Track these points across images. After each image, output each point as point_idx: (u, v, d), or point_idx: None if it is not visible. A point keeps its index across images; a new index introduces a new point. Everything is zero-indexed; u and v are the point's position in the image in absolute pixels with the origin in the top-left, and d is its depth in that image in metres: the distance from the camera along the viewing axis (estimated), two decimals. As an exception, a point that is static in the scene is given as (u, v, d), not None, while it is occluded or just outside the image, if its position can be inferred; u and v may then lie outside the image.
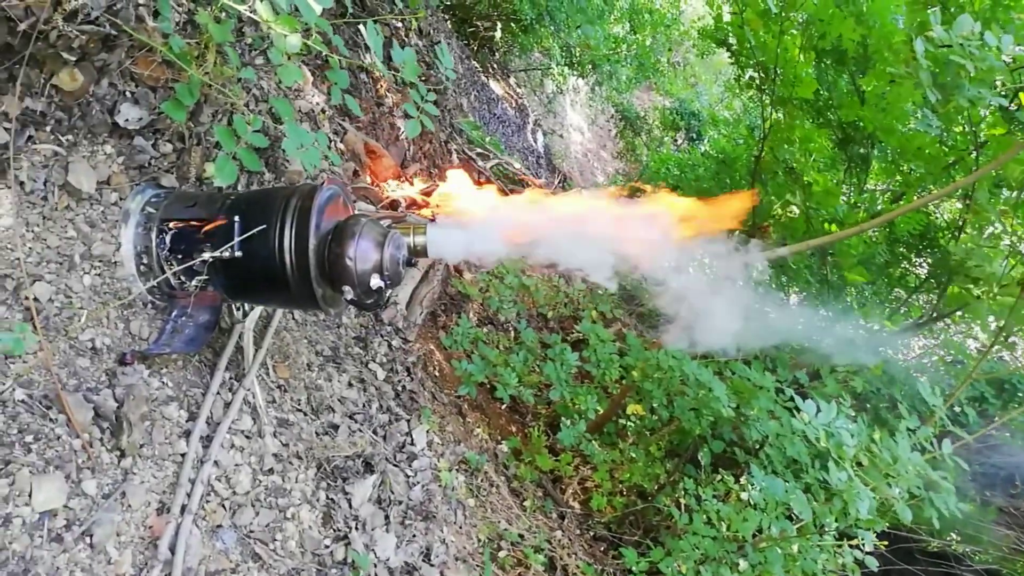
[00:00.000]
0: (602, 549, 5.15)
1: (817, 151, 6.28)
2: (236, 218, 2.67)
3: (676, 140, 12.26)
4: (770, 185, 6.35)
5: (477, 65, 10.91)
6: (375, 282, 2.63)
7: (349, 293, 2.63)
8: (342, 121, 5.38)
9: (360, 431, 3.74)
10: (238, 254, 2.65)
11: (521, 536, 4.48)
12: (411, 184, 5.50)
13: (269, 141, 2.64)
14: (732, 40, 6.47)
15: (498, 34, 10.59)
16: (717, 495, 4.83)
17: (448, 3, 10.18)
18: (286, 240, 2.64)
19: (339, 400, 3.89)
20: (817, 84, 6.21)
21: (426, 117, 3.08)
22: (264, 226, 2.67)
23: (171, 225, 2.78)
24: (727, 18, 6.90)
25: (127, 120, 2.71)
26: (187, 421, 2.72)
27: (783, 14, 5.52)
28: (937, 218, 6.60)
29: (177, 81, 2.69)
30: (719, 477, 5.04)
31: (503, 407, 5.60)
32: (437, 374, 5.34)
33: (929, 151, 5.64)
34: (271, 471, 2.91)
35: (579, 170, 13.16)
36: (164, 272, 2.78)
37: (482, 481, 4.64)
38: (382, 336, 4.76)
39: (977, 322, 6.82)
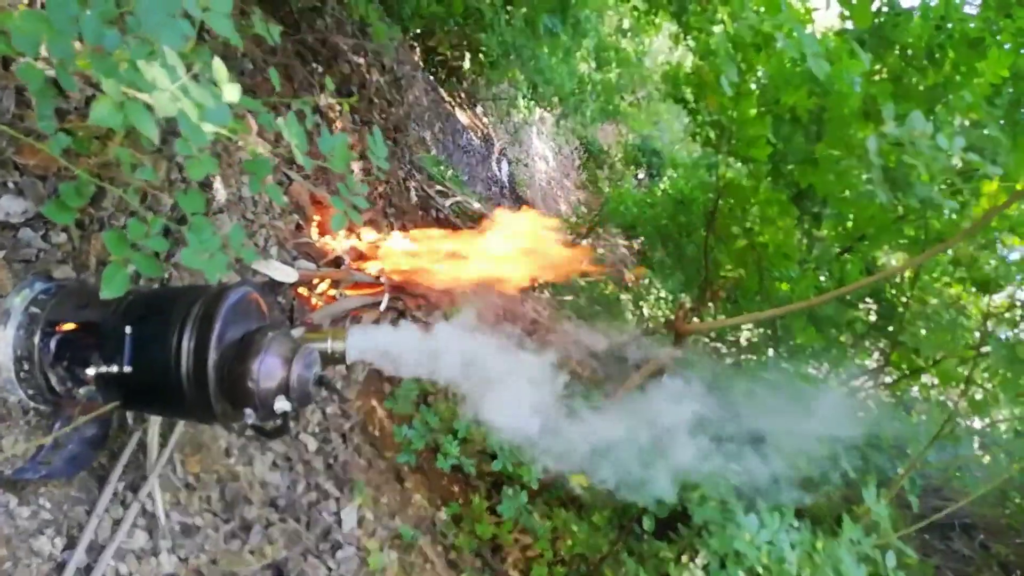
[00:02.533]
0: (541, 622, 4.84)
1: (772, 208, 6.05)
2: (127, 329, 2.31)
3: (637, 175, 12.04)
4: (723, 245, 6.10)
5: (444, 95, 10.57)
6: (280, 405, 2.28)
7: (250, 417, 2.28)
8: (287, 170, 5.01)
9: (278, 524, 3.38)
10: (127, 369, 2.29)
11: (454, 619, 4.15)
12: (358, 236, 5.15)
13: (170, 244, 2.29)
14: (690, 96, 6.22)
15: (466, 64, 10.27)
16: (661, 573, 4.56)
17: (416, 32, 9.82)
18: (183, 352, 2.29)
19: (260, 485, 3.53)
20: (773, 142, 5.98)
21: (355, 212, 2.75)
22: (160, 337, 2.31)
23: (57, 328, 2.42)
24: (688, 68, 6.66)
25: (8, 214, 2.34)
26: (63, 551, 2.35)
27: (741, 79, 5.27)
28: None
29: (69, 171, 2.33)
30: (661, 552, 4.76)
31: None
32: (377, 433, 4.99)
33: (879, 219, 5.45)
34: (163, 598, 2.56)
35: (542, 198, 12.88)
36: (45, 381, 2.41)
37: (416, 557, 4.31)
38: (316, 403, 4.40)
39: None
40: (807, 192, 6.76)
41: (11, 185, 2.34)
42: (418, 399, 5.04)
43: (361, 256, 5.07)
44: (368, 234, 5.24)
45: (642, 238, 10.10)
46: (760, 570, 3.80)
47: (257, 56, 5.14)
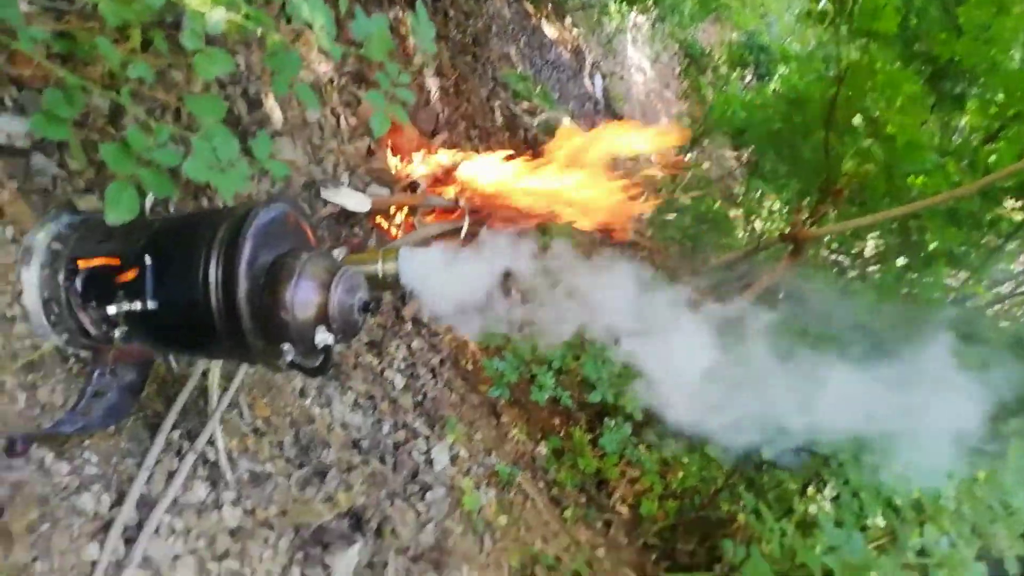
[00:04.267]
0: (653, 559, 4.49)
1: (902, 94, 5.22)
2: (147, 260, 2.02)
3: (744, 78, 11.03)
4: (845, 141, 5.34)
5: (529, 7, 9.92)
6: (320, 338, 1.94)
7: (289, 353, 1.96)
8: (356, 89, 4.65)
9: (359, 467, 3.13)
10: (152, 306, 2.01)
11: (558, 559, 3.85)
12: (435, 157, 4.76)
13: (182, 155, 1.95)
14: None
15: (551, -30, 9.56)
16: (784, 506, 4.09)
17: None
18: (211, 283, 1.97)
19: (340, 427, 3.28)
20: (903, 13, 5.13)
21: (398, 108, 2.34)
22: (185, 267, 2.01)
23: (81, 265, 2.15)
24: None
25: (9, 135, 2.06)
26: (111, 508, 2.13)
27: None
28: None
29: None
30: (784, 483, 4.28)
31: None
32: (469, 367, 4.69)
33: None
34: (225, 554, 2.32)
35: (641, 112, 12.10)
36: (77, 324, 2.17)
37: (515, 495, 4.02)
38: (401, 337, 4.12)
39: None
40: (945, 71, 5.85)
41: (8, 102, 2.06)
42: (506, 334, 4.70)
43: (439, 180, 4.69)
44: (445, 156, 4.85)
45: (752, 146, 9.26)
46: (902, 504, 3.28)
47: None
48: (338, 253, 2.18)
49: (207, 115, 2.00)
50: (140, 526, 2.16)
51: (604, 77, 11.21)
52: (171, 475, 2.34)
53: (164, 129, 1.93)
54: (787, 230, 7.54)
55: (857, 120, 5.30)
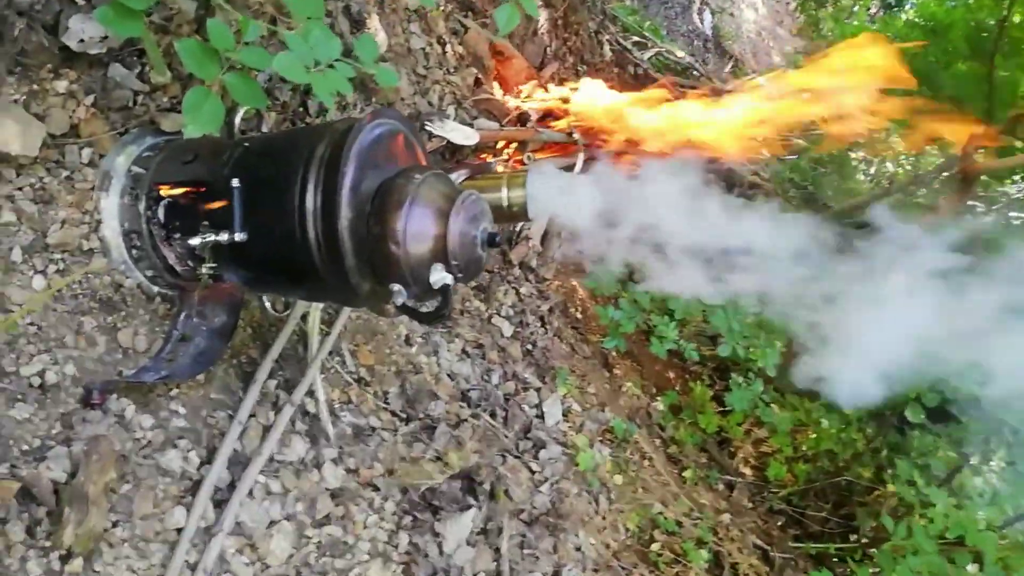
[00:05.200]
0: (779, 525, 4.01)
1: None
2: (235, 183, 1.66)
3: (869, 9, 9.93)
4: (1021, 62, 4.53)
5: (637, -62, 9.13)
6: (437, 276, 1.54)
7: (399, 295, 1.57)
8: (463, 16, 4.20)
9: (469, 421, 2.77)
10: (240, 237, 1.66)
11: (679, 523, 3.43)
12: (546, 90, 4.28)
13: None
14: None
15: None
16: (937, 476, 3.53)
17: None
18: (308, 211, 1.60)
19: (448, 377, 2.93)
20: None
21: (529, 1, 1.88)
22: (278, 192, 1.65)
23: (163, 192, 1.83)
24: None
25: (83, 40, 1.72)
26: (200, 467, 1.83)
27: None
28: None
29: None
30: (940, 449, 3.69)
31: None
32: (579, 316, 4.27)
33: None
34: (326, 519, 2.00)
35: (752, 52, 11.13)
36: (161, 259, 1.86)
37: (632, 453, 3.60)
38: (509, 282, 3.72)
39: None
40: None
41: (80, 0, 1.72)
42: (624, 276, 4.23)
43: (550, 113, 4.21)
44: (556, 88, 4.35)
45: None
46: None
47: None
48: (456, 176, 1.76)
49: (305, 13, 1.60)
50: (232, 487, 1.87)
51: (713, 14, 10.32)
52: (267, 430, 2.03)
53: (251, 24, 1.54)
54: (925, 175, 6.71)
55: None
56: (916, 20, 8.02)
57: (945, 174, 6.15)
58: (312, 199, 1.60)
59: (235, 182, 1.64)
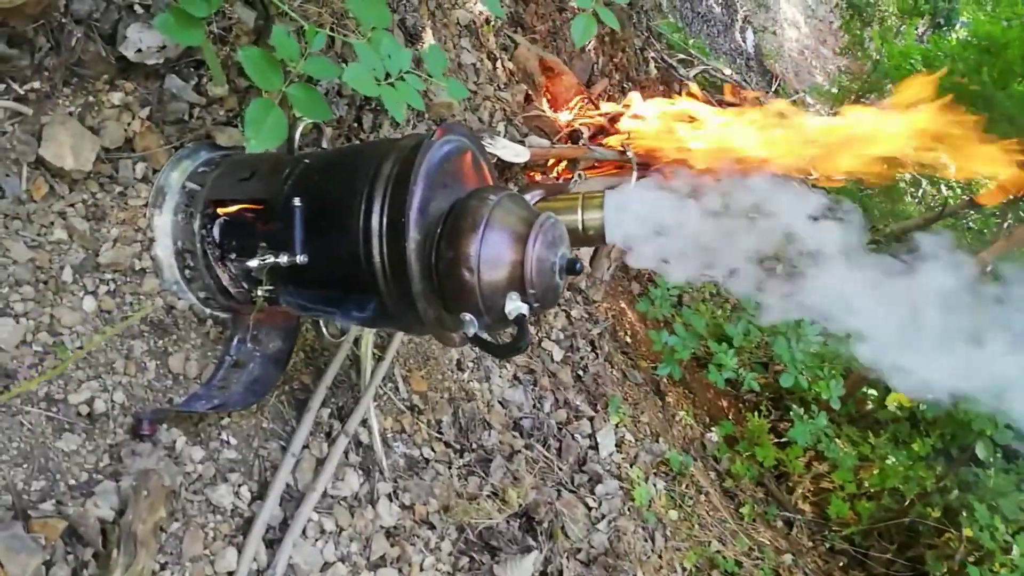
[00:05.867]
0: (841, 566, 3.80)
1: None
2: (297, 202, 1.56)
3: (917, 28, 9.70)
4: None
5: (679, -43, 9.05)
6: (512, 306, 1.42)
7: (471, 325, 1.45)
8: (512, 33, 4.11)
9: (523, 452, 2.64)
10: (301, 259, 1.55)
11: (738, 563, 3.25)
12: (597, 107, 4.16)
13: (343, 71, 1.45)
14: None
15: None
16: (1014, 520, 3.31)
17: None
18: (373, 232, 1.49)
19: (500, 404, 2.80)
20: None
21: (606, 11, 1.76)
22: (341, 212, 1.54)
23: (220, 211, 1.73)
24: None
25: (140, 50, 1.64)
26: (251, 503, 1.72)
27: None
28: None
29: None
30: (1010, 489, 3.45)
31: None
32: (629, 340, 4.12)
33: None
34: (381, 560, 1.88)
35: (794, 71, 10.97)
36: (215, 280, 1.76)
37: (687, 487, 3.43)
38: (559, 304, 3.59)
39: None
40: None
41: (139, 8, 1.64)
42: (676, 302, 4.07)
43: (600, 131, 4.09)
44: (606, 105, 4.24)
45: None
46: None
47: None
48: (531, 198, 1.64)
49: (372, 21, 1.50)
50: (285, 525, 1.75)
51: (755, 32, 10.18)
52: (320, 462, 1.91)
53: (320, 33, 1.44)
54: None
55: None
56: (970, 39, 7.79)
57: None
58: (378, 220, 1.49)
59: (296, 201, 1.54)
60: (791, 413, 3.54)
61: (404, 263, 1.46)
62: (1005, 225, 5.79)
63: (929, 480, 3.65)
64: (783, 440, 3.76)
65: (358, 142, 2.27)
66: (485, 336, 1.51)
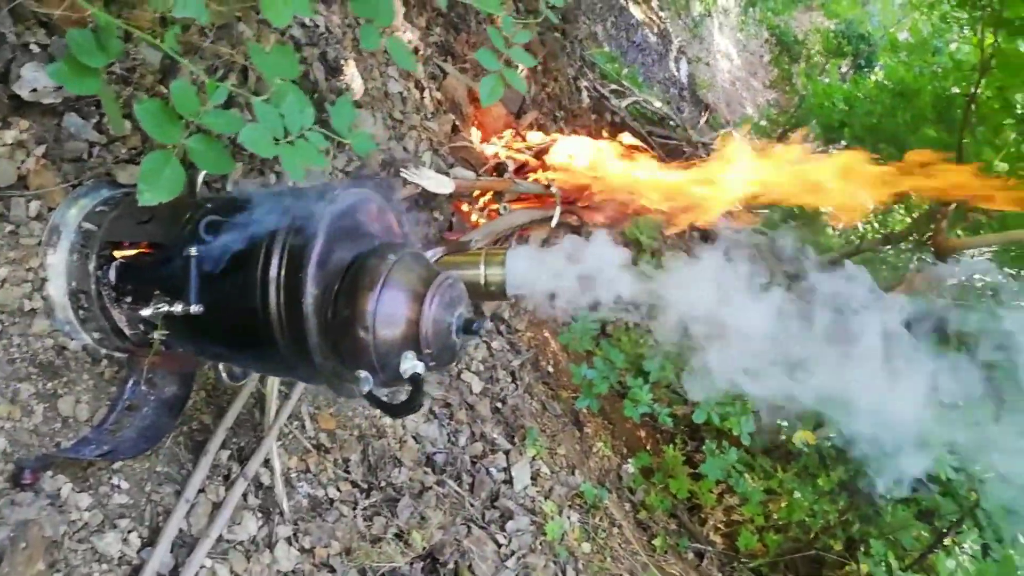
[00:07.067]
0: (749, 597, 3.92)
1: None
2: (193, 251, 1.55)
3: (840, 68, 10.15)
4: (988, 140, 4.60)
5: (616, -14, 9.26)
6: (407, 365, 1.44)
7: (366, 383, 1.47)
8: (442, 62, 4.15)
9: (434, 488, 2.65)
10: (195, 310, 1.54)
11: (647, 596, 3.33)
12: (524, 139, 4.23)
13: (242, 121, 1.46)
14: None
15: (640, -50, 8.90)
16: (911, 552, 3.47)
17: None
18: (271, 285, 1.50)
19: (413, 440, 2.81)
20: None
21: (513, 74, 1.81)
22: (239, 262, 1.54)
23: (116, 253, 1.71)
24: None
25: (36, 90, 1.61)
26: (141, 550, 1.69)
27: None
28: None
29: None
30: (914, 529, 3.63)
31: (631, 413, 4.35)
32: (551, 370, 4.18)
33: None
34: (276, 608, 1.87)
35: (726, 101, 11.32)
36: (110, 322, 1.73)
37: (601, 520, 3.49)
38: (480, 336, 3.63)
39: None
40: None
41: (35, 47, 1.62)
42: (598, 333, 4.15)
43: (524, 166, 4.16)
44: (535, 136, 4.32)
45: (844, 142, 8.47)
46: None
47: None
48: (432, 253, 1.67)
49: (277, 73, 1.51)
50: (176, 572, 1.72)
51: (689, 62, 10.49)
52: (216, 506, 1.89)
53: (220, 87, 1.45)
54: (895, 235, 6.77)
55: (1005, 118, 4.54)
56: (885, 83, 8.22)
57: (913, 237, 6.23)
58: (276, 272, 1.50)
59: (192, 251, 1.54)
60: (704, 447, 3.65)
61: (301, 317, 1.47)
62: (912, 265, 6.08)
63: (833, 513, 3.80)
64: (699, 472, 3.87)
65: (263, 188, 2.26)
66: (383, 392, 1.53)
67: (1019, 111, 4.47)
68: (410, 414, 1.79)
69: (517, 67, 1.81)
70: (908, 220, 7.05)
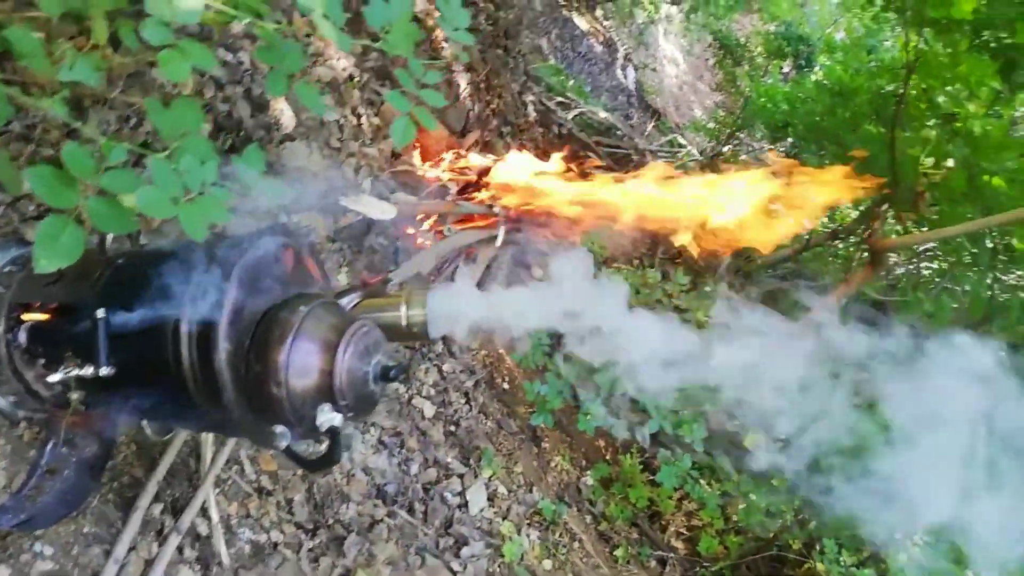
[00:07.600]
0: (713, 600, 3.94)
1: (986, 87, 4.54)
2: (100, 312, 1.51)
3: (782, 68, 10.32)
4: (913, 138, 4.69)
5: (560, -1, 9.31)
6: (324, 418, 1.41)
7: (283, 438, 1.43)
8: (380, 87, 4.12)
9: (386, 521, 2.62)
10: (105, 372, 1.50)
11: (610, 609, 3.32)
12: (467, 159, 4.22)
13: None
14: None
15: (581, -39, 8.95)
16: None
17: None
18: (184, 344, 1.46)
19: (362, 472, 2.77)
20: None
21: (425, 113, 1.79)
22: (150, 320, 1.50)
23: (24, 316, 1.65)
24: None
25: (-70, 154, 1.56)
26: (65, 620, 1.64)
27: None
28: None
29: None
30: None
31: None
32: (507, 387, 4.16)
33: None
34: (215, 665, 1.82)
35: (674, 105, 11.44)
36: (24, 384, 1.67)
37: (561, 535, 3.48)
38: (430, 360, 3.60)
39: None
40: (1016, 61, 5.16)
41: (-75, 112, 1.56)
42: (550, 348, 4.15)
43: (467, 187, 4.15)
44: (477, 157, 4.30)
45: (790, 140, 8.60)
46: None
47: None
48: (348, 301, 1.64)
49: (179, 128, 1.47)
50: (105, 640, 1.67)
51: (636, 69, 10.58)
52: (149, 564, 1.84)
53: (117, 147, 1.40)
54: (843, 229, 6.87)
55: (928, 117, 4.65)
56: (824, 83, 8.34)
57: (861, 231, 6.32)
58: (188, 328, 1.46)
59: (100, 312, 1.49)
60: (658, 456, 3.66)
61: (214, 373, 1.43)
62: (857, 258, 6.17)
63: (789, 513, 3.83)
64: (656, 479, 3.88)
65: (178, 238, 2.20)
66: (303, 445, 1.49)
67: (942, 110, 4.56)
68: (330, 467, 1.76)
69: (430, 110, 1.79)
70: (855, 214, 7.15)
